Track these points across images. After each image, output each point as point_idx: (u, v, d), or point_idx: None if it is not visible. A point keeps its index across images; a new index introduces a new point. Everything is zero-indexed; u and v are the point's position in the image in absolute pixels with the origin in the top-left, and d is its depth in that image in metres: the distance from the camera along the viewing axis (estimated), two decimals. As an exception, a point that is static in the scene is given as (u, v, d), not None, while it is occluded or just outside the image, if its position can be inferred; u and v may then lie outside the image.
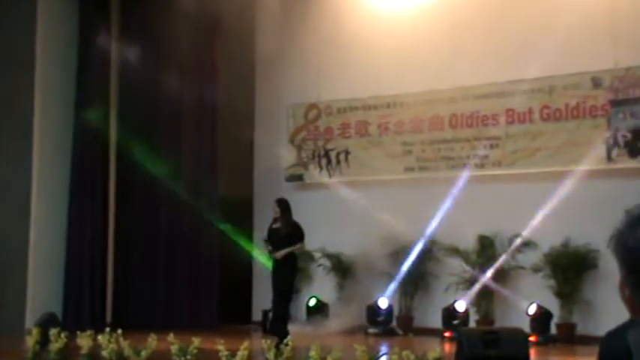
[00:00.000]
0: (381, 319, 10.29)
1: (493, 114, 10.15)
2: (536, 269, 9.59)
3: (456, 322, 9.60)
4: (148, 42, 10.83)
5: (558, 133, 9.68)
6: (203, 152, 11.10)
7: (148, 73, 10.52)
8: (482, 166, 10.15)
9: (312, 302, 10.60)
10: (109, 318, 10.81)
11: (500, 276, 9.87)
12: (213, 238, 10.87)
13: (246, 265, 11.51)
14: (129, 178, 10.81)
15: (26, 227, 9.92)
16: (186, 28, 10.18)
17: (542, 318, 9.30)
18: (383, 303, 10.31)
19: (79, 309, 10.31)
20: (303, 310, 10.71)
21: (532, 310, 9.33)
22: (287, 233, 8.56)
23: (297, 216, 10.80)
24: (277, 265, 8.66)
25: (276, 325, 8.56)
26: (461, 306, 9.75)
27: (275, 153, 11.60)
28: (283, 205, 8.74)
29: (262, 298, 10.98)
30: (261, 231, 11.12)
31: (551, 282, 9.53)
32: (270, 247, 8.59)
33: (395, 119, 10.81)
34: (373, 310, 10.37)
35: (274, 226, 8.70)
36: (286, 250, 8.50)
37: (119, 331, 7.53)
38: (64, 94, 10.63)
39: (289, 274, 8.56)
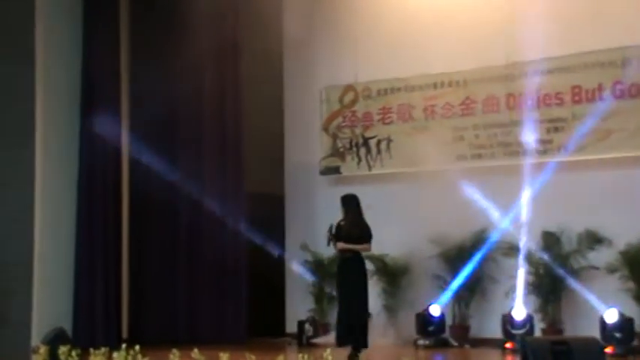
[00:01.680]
0: (432, 328, 10.24)
1: (557, 92, 10.02)
2: (611, 270, 9.43)
3: (518, 331, 9.50)
4: (162, 27, 10.81)
5: (633, 113, 9.54)
6: (227, 146, 11.08)
7: (162, 62, 10.49)
8: (544, 152, 10.03)
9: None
10: (125, 333, 10.83)
11: (570, 278, 9.72)
12: (241, 242, 10.84)
13: (278, 270, 11.48)
14: (144, 180, 10.81)
15: (30, 236, 9.77)
16: (204, 6, 10.14)
17: (621, 326, 9.11)
18: (435, 310, 10.23)
19: (92, 324, 10.31)
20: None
21: (611, 317, 9.11)
22: (348, 233, 8.72)
23: (334, 213, 10.78)
24: (342, 266, 8.77)
25: (352, 335, 8.55)
26: (521, 313, 9.61)
27: (307, 143, 11.58)
28: (345, 202, 8.97)
29: (297, 307, 11.15)
30: (294, 232, 11.45)
31: (630, 284, 9.35)
32: (331, 239, 8.77)
33: (443, 101, 10.69)
34: (423, 319, 10.29)
35: (341, 222, 8.90)
36: (347, 245, 8.64)
37: (137, 347, 7.41)
38: (70, 89, 10.60)
39: (358, 280, 8.66)
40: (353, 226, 8.71)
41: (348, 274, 8.67)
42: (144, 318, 10.90)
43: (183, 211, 10.96)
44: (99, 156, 10.57)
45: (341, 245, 8.65)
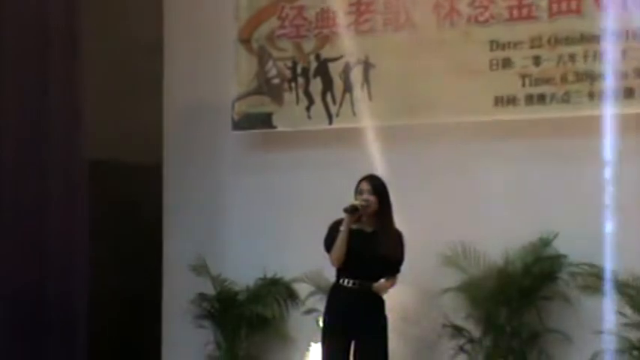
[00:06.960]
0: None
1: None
2: None
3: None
4: None
5: None
6: (51, 76, 10.21)
7: None
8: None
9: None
10: None
11: None
12: (78, 256, 9.83)
13: (149, 305, 10.65)
14: None
15: None
16: None
17: None
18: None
19: None
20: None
21: None
22: (387, 258, 8.43)
23: (263, 202, 10.59)
24: (353, 305, 8.55)
25: None
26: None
27: (209, 69, 10.63)
28: (382, 189, 8.53)
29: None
30: (178, 237, 10.89)
31: None
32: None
33: (471, -8, 9.75)
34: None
35: (356, 224, 8.52)
36: (388, 283, 8.52)
37: None
38: None
39: (382, 331, 8.53)
40: (392, 247, 8.40)
41: (367, 320, 8.43)
42: None
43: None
44: None
45: (381, 287, 8.46)
